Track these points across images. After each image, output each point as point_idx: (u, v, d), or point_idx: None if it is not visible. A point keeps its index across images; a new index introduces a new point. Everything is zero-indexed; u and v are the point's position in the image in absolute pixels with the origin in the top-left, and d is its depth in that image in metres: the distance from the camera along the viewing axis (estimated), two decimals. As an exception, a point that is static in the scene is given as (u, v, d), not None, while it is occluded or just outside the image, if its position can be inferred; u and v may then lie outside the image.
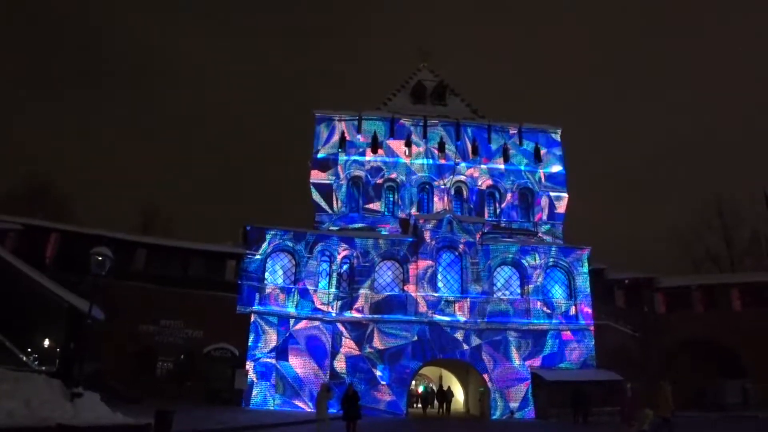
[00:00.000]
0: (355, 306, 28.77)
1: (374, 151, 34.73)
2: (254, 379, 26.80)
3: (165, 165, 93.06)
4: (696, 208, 47.05)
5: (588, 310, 29.67)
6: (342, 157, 34.33)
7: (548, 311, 29.53)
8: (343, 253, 29.57)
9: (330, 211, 33.21)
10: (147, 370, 25.77)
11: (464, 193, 34.72)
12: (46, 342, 22.51)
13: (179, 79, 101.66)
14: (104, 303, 21.75)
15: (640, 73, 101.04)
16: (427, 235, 30.07)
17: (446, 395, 32.07)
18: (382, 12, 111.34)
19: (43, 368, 20.84)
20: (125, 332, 25.20)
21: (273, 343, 27.56)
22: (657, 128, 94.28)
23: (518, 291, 30.08)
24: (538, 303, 29.54)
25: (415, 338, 28.56)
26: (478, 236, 30.37)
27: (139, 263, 27.67)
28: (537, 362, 28.60)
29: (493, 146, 35.59)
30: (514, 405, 27.81)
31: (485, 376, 28.42)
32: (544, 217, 34.45)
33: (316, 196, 33.62)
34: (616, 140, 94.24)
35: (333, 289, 29.03)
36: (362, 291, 29.04)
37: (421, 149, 35.09)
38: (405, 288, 29.39)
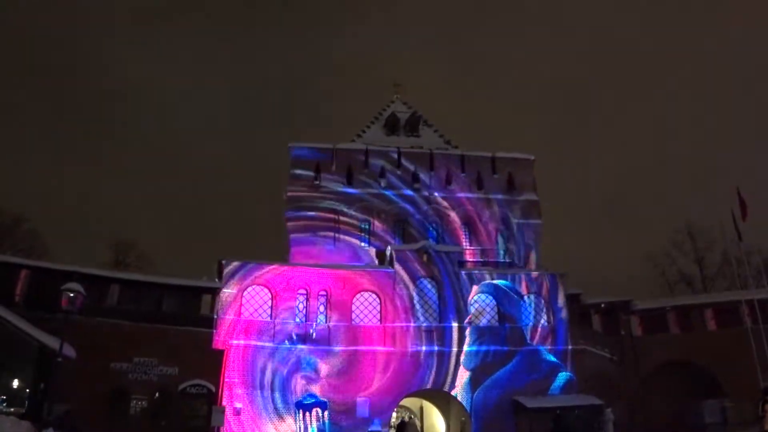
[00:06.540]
0: (333, 338, 28.42)
1: (349, 183, 34.89)
2: (231, 415, 26.23)
3: (138, 198, 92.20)
4: (667, 231, 47.95)
5: (566, 335, 29.81)
6: (317, 190, 34.39)
7: (527, 338, 29.60)
8: (319, 286, 29.35)
9: (305, 244, 33.10)
10: (120, 408, 25.00)
11: (439, 222, 34.97)
12: (15, 382, 21.89)
13: (151, 114, 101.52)
14: (76, 340, 21.20)
15: (614, 98, 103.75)
16: (403, 266, 30.09)
17: (407, 428, 31.46)
18: (357, 47, 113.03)
19: (12, 410, 20.28)
20: (98, 370, 24.45)
21: (250, 378, 27.08)
22: (627, 153, 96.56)
23: (496, 318, 30.14)
24: (517, 330, 29.60)
25: (394, 370, 28.29)
26: (454, 265, 30.48)
27: (112, 299, 27.05)
28: (517, 389, 28.46)
29: (467, 176, 36.07)
30: (496, 433, 27.56)
31: (466, 405, 28.24)
32: (520, 245, 34.84)
33: (291, 228, 33.58)
34: (588, 166, 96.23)
35: (310, 322, 28.67)
36: (339, 323, 28.76)
37: (396, 180, 35.37)
38: (382, 319, 29.23)
